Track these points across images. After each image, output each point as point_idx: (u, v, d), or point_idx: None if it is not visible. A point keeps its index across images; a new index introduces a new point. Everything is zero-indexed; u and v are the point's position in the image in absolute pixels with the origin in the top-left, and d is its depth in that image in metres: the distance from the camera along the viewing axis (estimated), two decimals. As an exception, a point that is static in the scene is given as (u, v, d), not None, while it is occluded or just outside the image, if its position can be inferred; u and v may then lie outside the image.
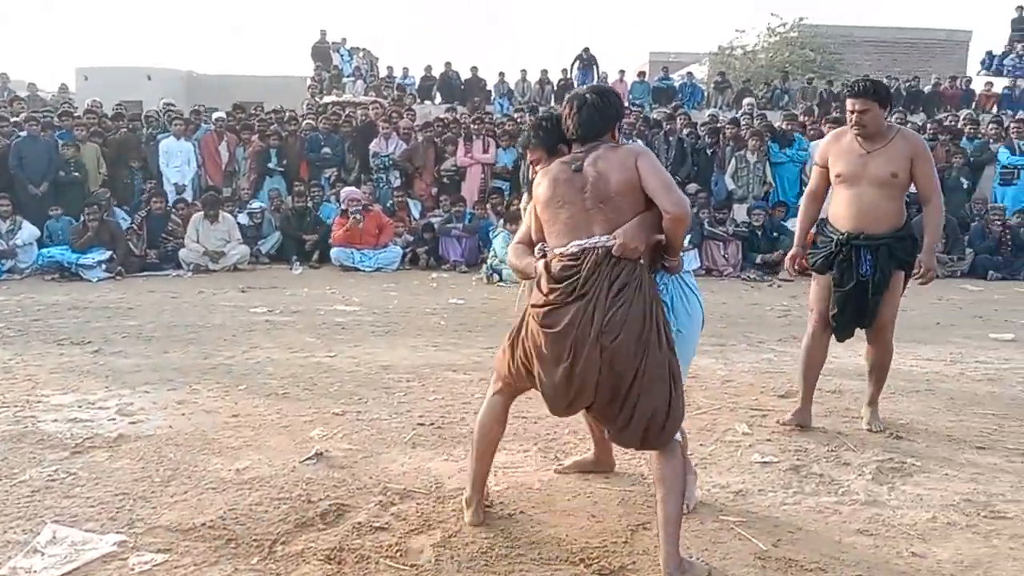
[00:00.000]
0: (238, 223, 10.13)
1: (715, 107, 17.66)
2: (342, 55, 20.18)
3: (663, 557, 2.66)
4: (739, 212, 10.69)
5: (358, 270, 9.73)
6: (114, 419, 4.18)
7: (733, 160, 11.08)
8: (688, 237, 8.87)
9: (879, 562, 2.83)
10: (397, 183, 11.37)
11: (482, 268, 9.55)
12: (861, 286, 4.01)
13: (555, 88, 18.67)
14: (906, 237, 4.00)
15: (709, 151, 11.47)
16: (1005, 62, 19.96)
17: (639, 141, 10.91)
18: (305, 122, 12.40)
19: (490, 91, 18.72)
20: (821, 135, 11.07)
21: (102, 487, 3.32)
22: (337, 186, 11.20)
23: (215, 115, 12.10)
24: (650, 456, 2.76)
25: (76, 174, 10.27)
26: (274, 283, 8.87)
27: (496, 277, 9.07)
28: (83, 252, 9.07)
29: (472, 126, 11.88)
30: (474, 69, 18.90)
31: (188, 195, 10.95)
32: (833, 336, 4.22)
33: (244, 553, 2.80)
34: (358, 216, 9.79)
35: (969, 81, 19.07)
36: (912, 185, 4.04)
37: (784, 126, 11.68)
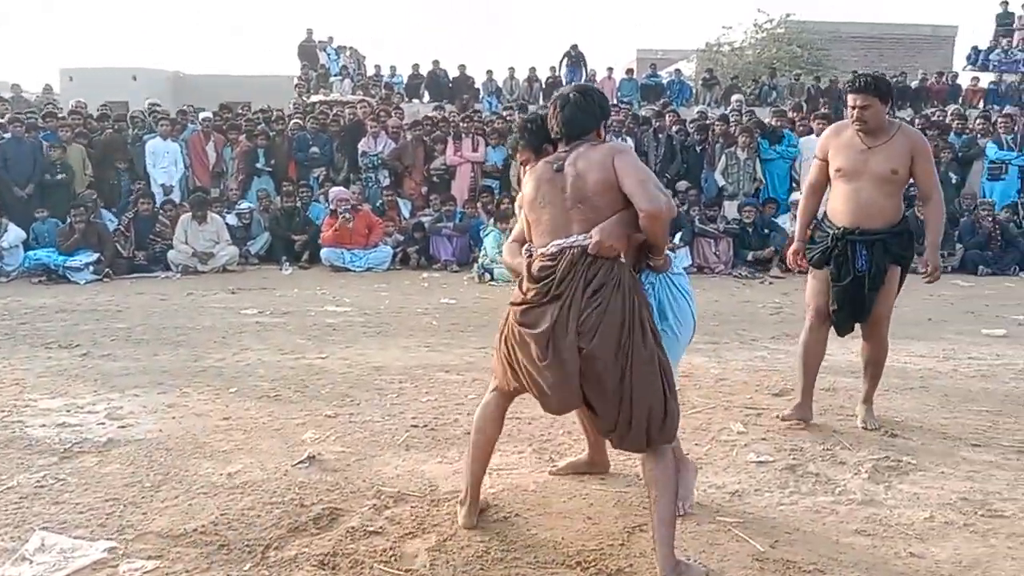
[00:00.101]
0: (227, 224, 10.07)
1: (703, 104, 17.70)
2: (329, 54, 20.08)
3: (659, 559, 2.64)
4: (730, 209, 10.68)
5: (348, 270, 9.68)
6: (103, 423, 4.12)
7: (723, 157, 11.08)
8: (679, 235, 8.86)
9: (877, 562, 2.81)
10: (386, 182, 11.32)
11: (473, 267, 9.52)
12: (857, 281, 4.02)
13: (543, 86, 18.63)
14: (902, 232, 4.01)
15: (698, 148, 11.47)
16: (991, 57, 20.06)
17: (628, 139, 10.90)
18: (293, 122, 12.34)
19: (478, 89, 18.67)
20: (810, 131, 11.12)
21: (91, 493, 3.27)
22: (326, 186, 11.14)
23: (202, 115, 12.03)
24: (641, 458, 2.73)
25: (62, 176, 10.18)
26: (264, 284, 8.81)
27: (488, 276, 9.04)
28: (70, 254, 8.99)
29: (461, 124, 11.84)
30: (462, 67, 18.85)
31: (176, 196, 10.88)
32: (834, 331, 4.23)
33: (236, 559, 2.76)
34: (347, 216, 9.74)
35: (955, 76, 19.15)
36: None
37: (773, 122, 11.69)
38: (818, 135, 10.71)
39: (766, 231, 10.10)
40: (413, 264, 10.06)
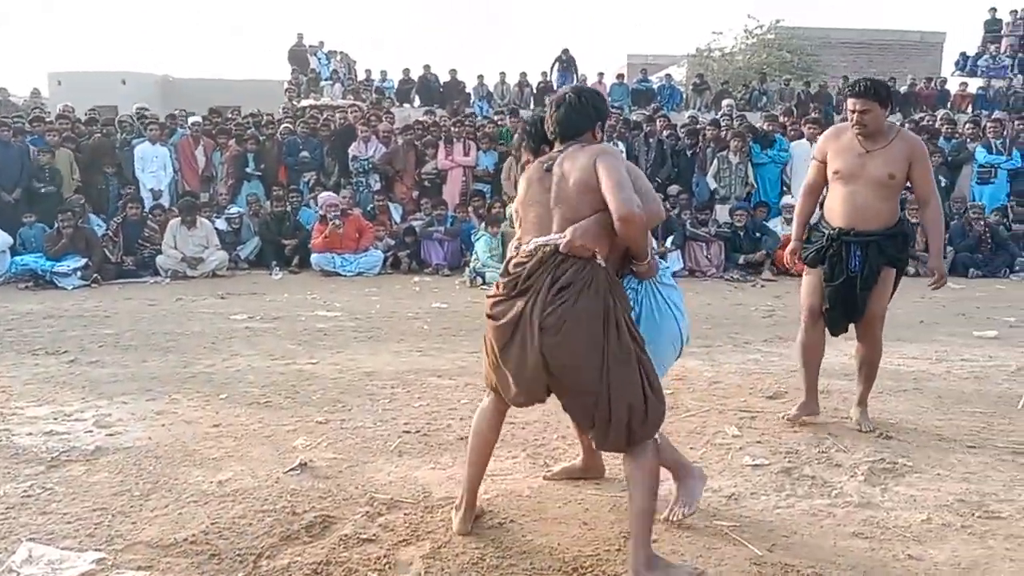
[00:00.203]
0: (216, 228, 10.01)
1: (694, 109, 17.73)
2: (319, 58, 20.06)
3: (630, 552, 2.66)
4: (721, 213, 10.70)
5: (339, 275, 9.63)
6: (91, 431, 4.07)
7: (716, 161, 11.10)
8: (671, 238, 8.83)
9: (876, 566, 2.80)
10: (377, 187, 11.28)
11: (465, 271, 9.48)
12: (850, 281, 4.05)
13: (535, 91, 18.64)
14: (897, 235, 4.05)
15: (689, 153, 11.48)
16: (979, 63, 20.22)
17: (620, 144, 10.90)
18: (283, 126, 12.27)
19: (469, 94, 18.66)
20: (801, 136, 11.15)
21: (79, 502, 3.22)
22: (316, 190, 11.09)
23: (191, 120, 11.97)
24: (623, 456, 2.73)
25: (50, 184, 10.08)
26: (254, 289, 8.75)
27: (479, 280, 9.00)
28: (58, 260, 8.90)
29: (452, 129, 11.81)
30: (453, 72, 18.84)
31: (165, 201, 10.81)
32: (827, 330, 4.26)
33: (228, 569, 2.72)
34: (337, 223, 9.69)
35: (944, 82, 19.27)
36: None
37: (765, 127, 11.71)
38: (809, 139, 10.80)
39: (757, 235, 10.11)
40: (404, 268, 10.02)
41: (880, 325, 4.16)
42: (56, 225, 9.16)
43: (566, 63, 19.18)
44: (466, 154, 11.50)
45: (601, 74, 19.28)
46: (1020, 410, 4.54)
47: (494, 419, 2.99)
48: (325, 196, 10.23)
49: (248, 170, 11.29)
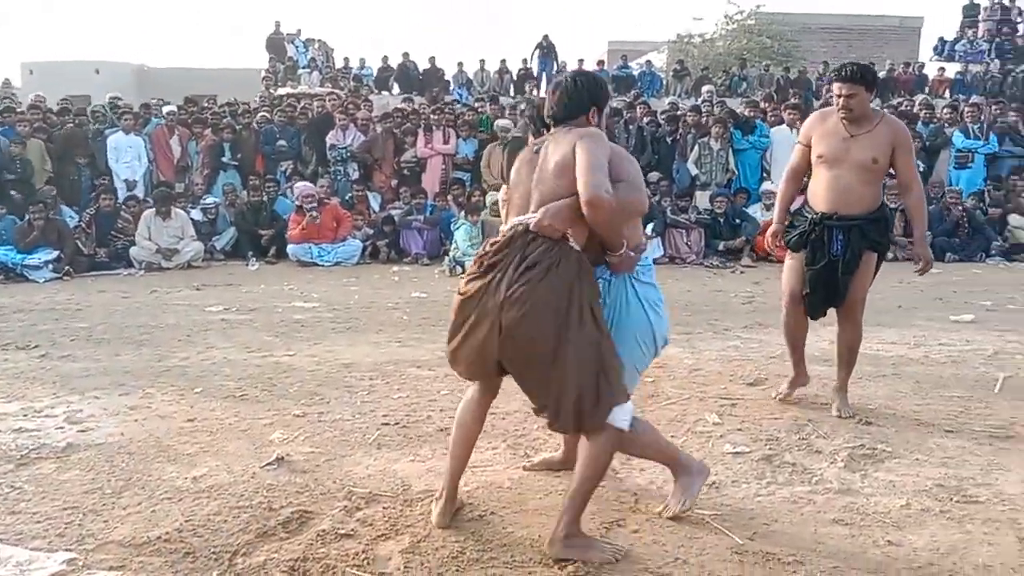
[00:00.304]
0: (191, 219, 9.88)
1: (674, 95, 17.71)
2: (297, 46, 19.84)
3: (556, 525, 2.70)
4: (701, 199, 10.69)
5: (317, 265, 9.54)
6: (62, 427, 3.98)
7: (696, 147, 11.08)
8: (651, 225, 8.78)
9: (856, 552, 2.79)
10: (355, 176, 11.18)
11: (444, 261, 9.43)
12: (831, 265, 4.07)
13: (515, 78, 18.54)
14: (879, 219, 4.08)
15: (669, 139, 11.45)
16: (956, 48, 20.33)
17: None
18: (260, 115, 12.13)
19: (449, 81, 18.53)
20: (781, 121, 11.15)
21: (49, 501, 3.15)
22: (294, 179, 10.96)
23: (166, 109, 11.80)
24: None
25: (19, 171, 9.90)
26: (230, 280, 8.64)
27: (459, 269, 8.93)
28: (29, 252, 8.76)
29: (432, 117, 11.71)
30: (432, 59, 18.70)
31: (139, 191, 10.65)
32: (807, 315, 4.30)
33: (202, 567, 2.67)
34: (314, 215, 9.59)
35: (922, 67, 19.36)
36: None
37: (746, 112, 11.71)
38: (789, 125, 10.80)
39: (737, 221, 10.12)
40: (383, 258, 9.94)
41: (861, 309, 4.19)
42: (27, 217, 8.99)
43: (546, 49, 19.09)
44: (446, 142, 11.42)
45: (581, 61, 19.21)
46: (997, 394, 4.57)
47: (478, 410, 2.96)
48: (301, 186, 10.10)
49: (224, 159, 11.15)
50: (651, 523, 2.98)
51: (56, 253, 8.83)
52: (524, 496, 3.21)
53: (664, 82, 19.50)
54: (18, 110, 11.51)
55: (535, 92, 17.12)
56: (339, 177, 11.17)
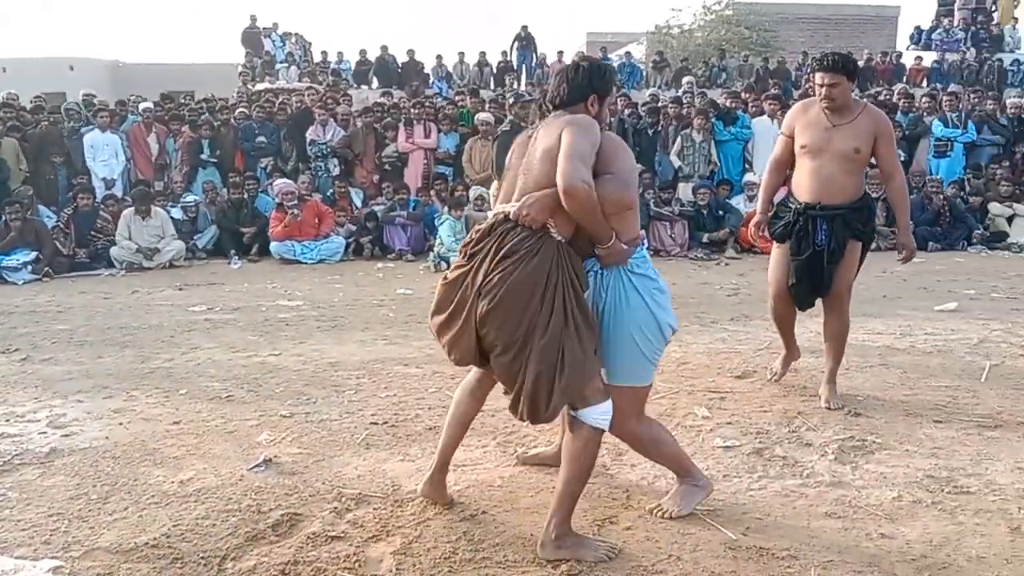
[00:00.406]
0: (172, 218, 9.74)
1: (654, 87, 17.70)
2: (274, 41, 19.60)
3: (545, 526, 2.69)
4: (684, 191, 10.69)
5: (300, 263, 9.45)
6: (45, 432, 3.92)
7: (679, 139, 11.07)
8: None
9: (849, 545, 2.79)
10: (337, 171, 11.08)
11: (429, 256, 9.37)
12: (816, 255, 4.09)
13: (495, 70, 18.46)
14: (862, 208, 4.12)
15: (650, 131, 11.43)
16: (933, 36, 20.43)
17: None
18: (238, 111, 11.99)
19: (428, 74, 18.41)
20: (762, 112, 11.16)
21: (34, 508, 3.10)
22: (274, 176, 10.85)
23: (142, 106, 11.64)
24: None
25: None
26: (212, 279, 8.55)
27: (444, 265, 8.89)
28: (6, 254, 8.61)
29: (412, 111, 11.63)
30: (411, 52, 18.54)
31: (118, 190, 10.51)
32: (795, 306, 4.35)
33: (191, 573, 2.63)
34: (295, 213, 9.50)
35: (899, 56, 19.45)
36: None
37: (728, 103, 11.71)
38: (770, 116, 10.81)
39: (721, 212, 10.12)
40: (367, 255, 9.86)
41: (847, 299, 4.23)
42: (3, 218, 8.85)
43: (525, 41, 19.00)
44: (427, 136, 11.34)
45: (560, 52, 19.15)
46: (984, 383, 4.60)
47: (477, 391, 2.98)
48: (281, 184, 9.97)
49: (203, 157, 11.00)
50: (644, 520, 2.97)
51: (35, 254, 8.70)
52: (516, 494, 3.19)
53: (644, 74, 19.47)
54: (-9, 109, 11.31)
55: (515, 85, 17.06)
56: (320, 173, 11.06)
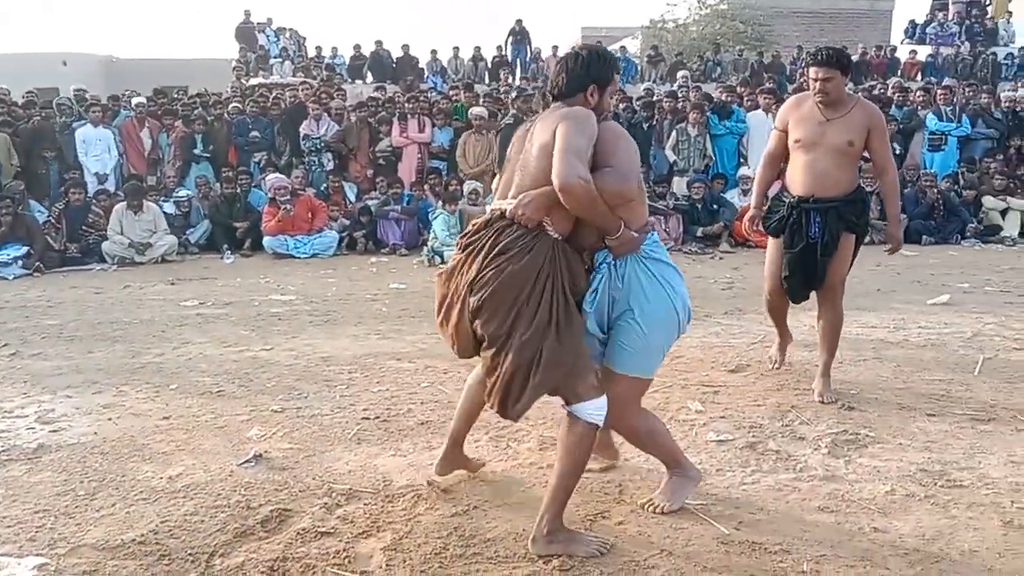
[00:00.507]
0: (164, 212, 9.68)
1: (649, 81, 17.65)
2: (268, 35, 19.53)
3: (537, 521, 2.68)
4: (678, 185, 10.67)
5: (293, 257, 9.41)
6: (33, 428, 3.89)
7: (674, 133, 11.05)
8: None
9: (842, 539, 2.78)
10: (330, 166, 11.04)
11: (423, 251, 9.34)
12: (810, 248, 4.10)
13: (489, 65, 18.40)
14: (856, 201, 4.13)
15: (646, 126, 11.41)
16: (927, 30, 20.44)
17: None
18: (232, 105, 11.93)
19: (422, 69, 18.36)
20: (757, 106, 11.15)
21: (20, 504, 3.07)
22: (267, 171, 10.80)
23: (135, 101, 11.58)
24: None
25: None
26: (204, 274, 8.51)
27: (438, 259, 8.86)
28: (-3, 249, 8.56)
29: (406, 105, 11.59)
30: (405, 47, 18.49)
31: (110, 185, 10.46)
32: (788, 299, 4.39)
33: (179, 570, 2.61)
34: (288, 208, 9.45)
35: (894, 50, 19.45)
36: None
37: (723, 97, 11.69)
38: (765, 110, 10.79)
39: (715, 207, 10.11)
40: (360, 249, 9.82)
41: (840, 292, 4.22)
42: (-6, 213, 8.80)
43: (519, 35, 18.95)
44: (421, 131, 11.30)
45: (555, 47, 19.10)
46: (977, 376, 4.59)
47: (486, 379, 2.94)
48: (273, 179, 9.92)
49: (196, 151, 10.97)
50: (636, 515, 2.95)
51: (25, 249, 8.64)
52: (507, 489, 3.17)
53: (639, 68, 19.42)
54: (-18, 104, 11.24)
55: (510, 79, 17.01)
56: (314, 168, 11.03)
